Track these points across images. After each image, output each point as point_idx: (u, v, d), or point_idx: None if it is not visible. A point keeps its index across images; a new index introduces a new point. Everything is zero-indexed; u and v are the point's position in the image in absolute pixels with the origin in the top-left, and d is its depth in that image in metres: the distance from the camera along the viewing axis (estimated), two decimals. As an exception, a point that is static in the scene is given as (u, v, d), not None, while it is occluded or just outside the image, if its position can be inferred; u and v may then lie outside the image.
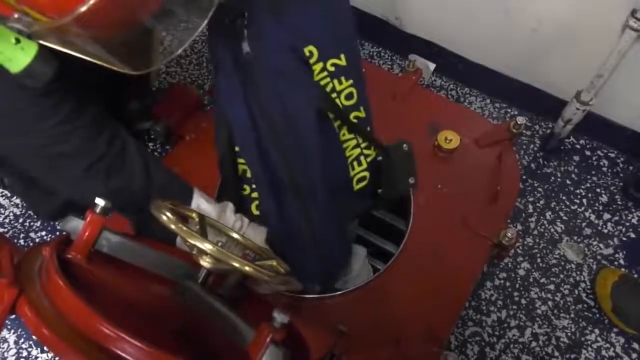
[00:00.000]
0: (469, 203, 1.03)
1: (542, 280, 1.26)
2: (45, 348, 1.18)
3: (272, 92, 0.78)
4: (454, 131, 1.08)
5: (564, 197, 1.38)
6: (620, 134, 1.41)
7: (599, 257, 1.30)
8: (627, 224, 1.34)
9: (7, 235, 1.31)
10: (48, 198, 1.02)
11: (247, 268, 0.59)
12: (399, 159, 0.97)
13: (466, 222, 1.00)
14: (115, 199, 0.62)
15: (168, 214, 0.60)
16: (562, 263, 1.29)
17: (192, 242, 0.58)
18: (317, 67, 0.80)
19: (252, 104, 0.79)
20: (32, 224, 1.35)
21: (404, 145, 0.98)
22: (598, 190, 1.40)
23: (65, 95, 0.72)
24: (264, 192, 0.86)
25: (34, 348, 1.19)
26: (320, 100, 0.80)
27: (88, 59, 0.59)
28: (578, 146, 1.47)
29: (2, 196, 1.39)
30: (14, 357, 1.18)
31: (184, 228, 0.59)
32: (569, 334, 1.20)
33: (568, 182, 1.41)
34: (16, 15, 0.53)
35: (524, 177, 1.42)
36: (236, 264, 0.58)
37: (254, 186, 0.87)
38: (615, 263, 1.29)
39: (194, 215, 0.72)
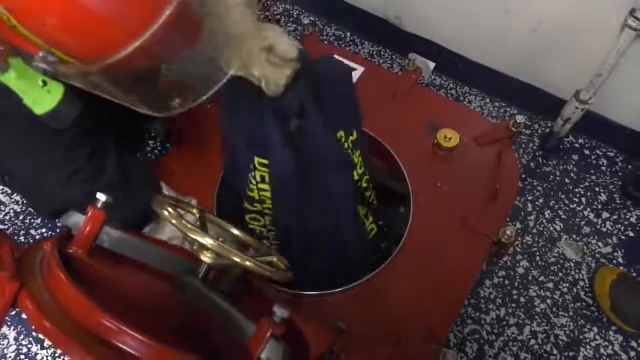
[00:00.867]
0: (469, 201, 1.03)
1: (541, 278, 1.27)
2: (45, 344, 1.19)
3: (319, 169, 0.82)
4: (454, 130, 1.08)
5: (563, 196, 1.39)
6: (619, 132, 1.41)
7: (597, 255, 1.30)
8: (626, 222, 1.35)
9: (8, 232, 1.31)
10: None
11: (247, 263, 0.59)
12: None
13: (465, 221, 1.00)
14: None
15: (169, 209, 0.60)
16: (561, 261, 1.29)
17: (193, 237, 0.58)
18: (345, 147, 0.86)
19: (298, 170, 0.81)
20: (32, 221, 1.35)
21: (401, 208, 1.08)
22: (597, 189, 1.40)
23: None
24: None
25: (34, 344, 1.19)
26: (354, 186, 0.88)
27: (110, 98, 0.59)
28: (577, 145, 1.48)
29: (2, 193, 1.39)
30: (13, 354, 1.18)
31: (185, 223, 0.59)
32: (568, 332, 1.20)
33: (567, 180, 1.42)
34: (41, 54, 0.53)
35: (523, 175, 1.42)
36: (237, 259, 0.59)
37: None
38: (614, 261, 1.29)
39: (194, 211, 0.72)
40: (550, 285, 1.26)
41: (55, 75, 0.55)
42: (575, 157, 1.46)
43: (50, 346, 1.18)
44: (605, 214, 1.36)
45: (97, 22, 0.51)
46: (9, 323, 1.21)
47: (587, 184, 1.41)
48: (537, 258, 1.30)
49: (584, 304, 1.24)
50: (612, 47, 1.18)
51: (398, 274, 0.95)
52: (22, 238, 1.32)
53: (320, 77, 0.79)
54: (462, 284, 0.96)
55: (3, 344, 1.19)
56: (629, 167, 1.43)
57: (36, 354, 1.18)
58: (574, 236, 1.33)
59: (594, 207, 1.37)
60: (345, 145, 0.85)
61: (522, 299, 1.24)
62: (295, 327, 0.66)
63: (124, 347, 0.47)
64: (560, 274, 1.27)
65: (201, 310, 0.61)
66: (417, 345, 0.89)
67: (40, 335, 1.19)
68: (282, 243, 0.90)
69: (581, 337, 1.20)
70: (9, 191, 1.39)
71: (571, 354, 1.18)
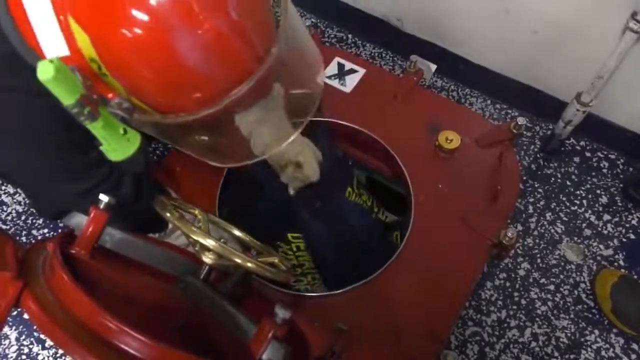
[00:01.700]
0: (470, 203, 1.03)
1: (542, 280, 1.27)
2: (46, 345, 1.19)
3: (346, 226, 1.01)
4: (455, 132, 1.08)
5: (564, 198, 1.39)
6: (620, 135, 1.41)
7: (598, 258, 1.30)
8: (627, 225, 1.35)
9: (10, 233, 1.32)
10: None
11: (249, 264, 0.59)
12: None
13: (466, 222, 1.00)
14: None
15: (172, 210, 0.61)
16: (562, 264, 1.29)
17: (196, 238, 0.58)
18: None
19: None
20: (34, 221, 1.35)
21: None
22: (598, 191, 1.40)
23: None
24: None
25: (35, 345, 1.19)
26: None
27: (177, 147, 0.61)
28: (578, 147, 1.48)
29: (4, 194, 1.39)
30: (15, 354, 1.18)
31: (188, 224, 0.59)
32: (569, 335, 1.20)
33: (568, 183, 1.42)
34: (117, 100, 0.53)
35: (525, 177, 1.42)
36: (239, 260, 0.59)
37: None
38: (615, 264, 1.29)
39: (196, 212, 0.73)
40: (552, 287, 1.26)
41: (128, 122, 0.56)
42: (576, 159, 1.46)
43: (51, 346, 1.19)
44: (606, 217, 1.36)
45: (190, 79, 0.52)
46: (10, 323, 1.21)
47: (588, 186, 1.41)
48: (538, 260, 1.30)
49: (585, 306, 1.24)
50: (613, 49, 1.18)
51: (399, 275, 0.95)
52: (24, 238, 1.32)
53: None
54: (463, 285, 0.96)
55: (5, 344, 1.19)
56: (630, 169, 1.43)
57: (38, 354, 1.18)
58: (575, 238, 1.33)
59: (595, 209, 1.37)
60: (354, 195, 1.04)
61: (523, 301, 1.24)
62: (296, 328, 0.66)
63: (126, 347, 0.47)
64: (562, 276, 1.27)
65: (203, 311, 0.61)
66: (418, 346, 0.88)
67: (42, 336, 1.19)
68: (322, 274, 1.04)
69: (582, 339, 1.20)
70: (11, 192, 1.39)
71: (572, 356, 1.18)
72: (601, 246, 1.32)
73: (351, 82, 1.16)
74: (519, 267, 1.29)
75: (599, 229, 1.34)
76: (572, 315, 1.22)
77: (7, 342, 1.19)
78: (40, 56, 0.54)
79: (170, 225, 0.91)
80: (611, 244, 1.32)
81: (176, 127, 0.56)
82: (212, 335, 0.63)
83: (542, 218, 1.36)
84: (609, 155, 1.46)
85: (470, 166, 1.08)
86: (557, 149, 1.46)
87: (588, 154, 1.47)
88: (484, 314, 1.22)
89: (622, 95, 1.32)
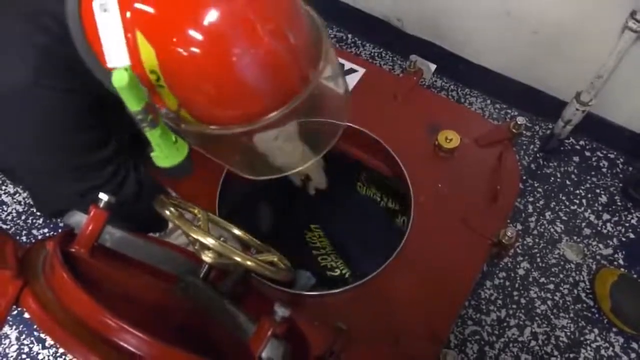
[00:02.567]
0: (469, 202, 1.03)
1: (542, 279, 1.27)
2: (47, 344, 1.19)
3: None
4: (455, 131, 1.08)
5: (563, 198, 1.39)
6: (620, 134, 1.41)
7: (598, 257, 1.30)
8: (627, 224, 1.35)
9: (10, 232, 1.32)
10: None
11: (249, 263, 0.59)
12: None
13: (466, 222, 1.00)
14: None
15: (172, 209, 0.61)
16: (562, 263, 1.29)
17: (195, 236, 0.59)
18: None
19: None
20: (34, 221, 1.35)
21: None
22: (598, 190, 1.40)
23: (99, 125, 0.72)
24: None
25: (36, 344, 1.19)
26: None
27: (214, 158, 0.64)
28: (578, 147, 1.48)
29: (5, 194, 1.40)
30: (15, 353, 1.18)
31: (187, 223, 0.59)
32: (568, 334, 1.20)
33: (568, 182, 1.42)
34: (164, 110, 0.56)
35: (524, 177, 1.42)
36: (238, 259, 0.59)
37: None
38: (615, 263, 1.29)
39: (196, 211, 0.73)
40: (551, 286, 1.26)
41: (178, 132, 0.58)
42: (576, 158, 1.46)
43: (52, 346, 1.19)
44: (606, 216, 1.36)
45: (243, 94, 0.55)
46: (10, 323, 1.21)
47: (587, 185, 1.41)
48: (538, 259, 1.30)
49: (584, 305, 1.24)
50: (612, 49, 1.18)
51: (398, 274, 0.95)
52: (24, 238, 1.32)
53: None
54: (462, 285, 0.96)
55: (5, 344, 1.19)
56: (630, 168, 1.43)
57: (38, 353, 1.18)
58: (575, 238, 1.33)
59: (595, 208, 1.37)
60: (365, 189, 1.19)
61: (522, 301, 1.24)
62: (295, 327, 0.66)
63: (127, 345, 0.47)
64: (561, 276, 1.27)
65: (202, 310, 0.62)
66: (417, 345, 0.89)
67: (42, 335, 1.19)
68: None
69: (582, 338, 1.20)
70: (12, 192, 1.39)
71: (572, 355, 1.18)
72: (601, 245, 1.32)
73: (351, 82, 1.16)
74: (518, 266, 1.29)
75: (599, 228, 1.34)
76: (571, 315, 1.22)
77: (7, 341, 1.20)
78: (102, 62, 0.56)
79: (170, 225, 0.91)
80: (611, 243, 1.32)
81: (217, 138, 0.58)
82: (212, 334, 0.63)
83: (541, 217, 1.36)
84: (609, 155, 1.46)
85: (469, 166, 1.09)
86: (557, 149, 1.46)
87: (587, 154, 1.47)
88: (484, 313, 1.22)
89: (622, 94, 1.32)
